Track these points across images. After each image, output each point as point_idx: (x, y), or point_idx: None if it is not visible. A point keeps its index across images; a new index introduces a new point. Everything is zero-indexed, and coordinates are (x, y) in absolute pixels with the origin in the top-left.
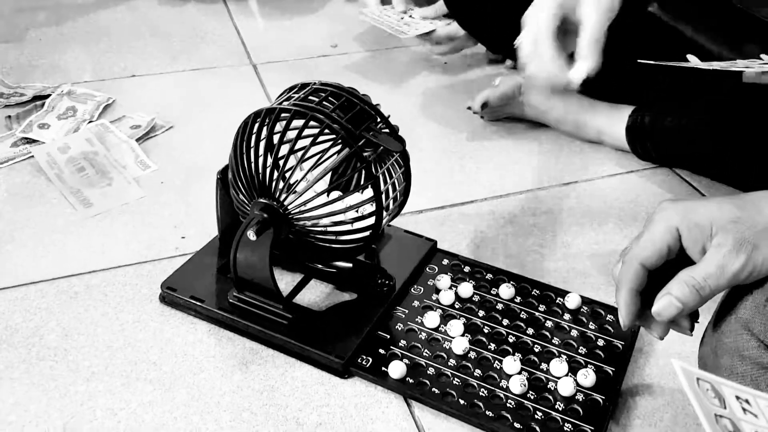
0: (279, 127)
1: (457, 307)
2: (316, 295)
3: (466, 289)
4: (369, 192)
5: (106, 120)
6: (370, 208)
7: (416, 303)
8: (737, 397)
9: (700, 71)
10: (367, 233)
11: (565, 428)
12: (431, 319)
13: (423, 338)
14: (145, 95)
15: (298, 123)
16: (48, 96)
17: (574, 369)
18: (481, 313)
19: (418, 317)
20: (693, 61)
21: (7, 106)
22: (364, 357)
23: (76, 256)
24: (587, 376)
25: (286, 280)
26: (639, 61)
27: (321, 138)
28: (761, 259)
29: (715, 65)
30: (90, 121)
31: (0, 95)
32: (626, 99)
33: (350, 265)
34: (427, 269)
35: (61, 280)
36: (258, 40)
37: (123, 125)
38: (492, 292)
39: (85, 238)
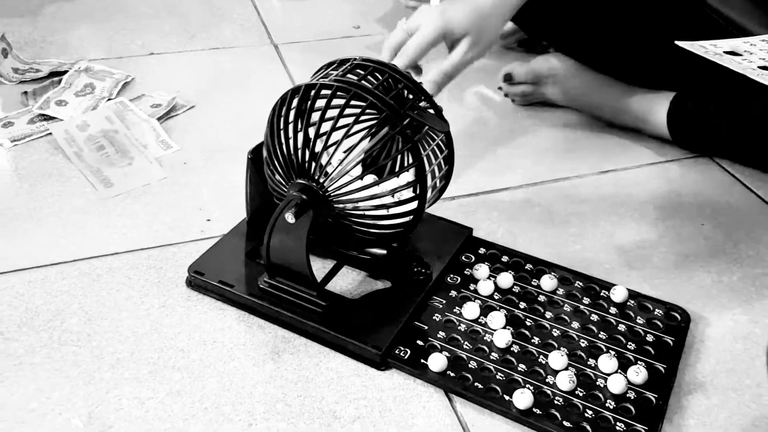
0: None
1: (496, 298)
2: (348, 282)
3: (505, 279)
4: (408, 176)
5: (125, 98)
6: (408, 193)
7: (453, 293)
8: None
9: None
10: (408, 218)
11: (617, 428)
12: (470, 310)
13: (462, 330)
14: (164, 74)
15: (336, 101)
16: (65, 72)
17: (623, 365)
18: (523, 305)
19: (456, 308)
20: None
21: (23, 82)
22: (402, 348)
23: (97, 237)
24: (639, 373)
25: (316, 267)
26: (677, 42)
27: (363, 117)
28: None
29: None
30: (109, 99)
31: (15, 71)
32: (665, 85)
33: (384, 252)
34: (463, 258)
35: (82, 261)
36: (279, 20)
37: (143, 104)
38: (533, 283)
39: (105, 218)
